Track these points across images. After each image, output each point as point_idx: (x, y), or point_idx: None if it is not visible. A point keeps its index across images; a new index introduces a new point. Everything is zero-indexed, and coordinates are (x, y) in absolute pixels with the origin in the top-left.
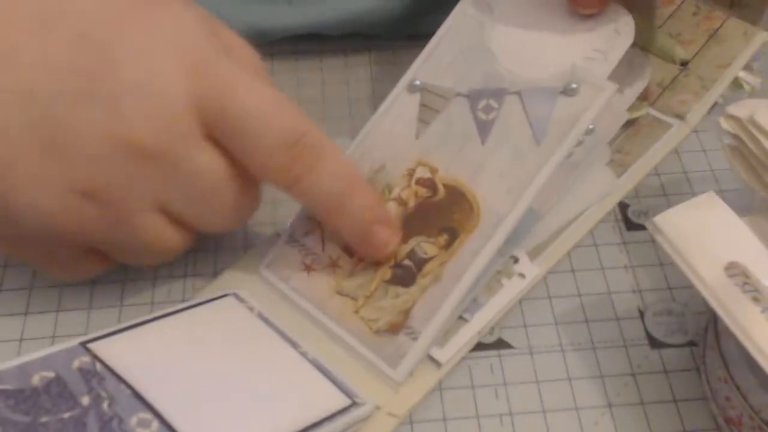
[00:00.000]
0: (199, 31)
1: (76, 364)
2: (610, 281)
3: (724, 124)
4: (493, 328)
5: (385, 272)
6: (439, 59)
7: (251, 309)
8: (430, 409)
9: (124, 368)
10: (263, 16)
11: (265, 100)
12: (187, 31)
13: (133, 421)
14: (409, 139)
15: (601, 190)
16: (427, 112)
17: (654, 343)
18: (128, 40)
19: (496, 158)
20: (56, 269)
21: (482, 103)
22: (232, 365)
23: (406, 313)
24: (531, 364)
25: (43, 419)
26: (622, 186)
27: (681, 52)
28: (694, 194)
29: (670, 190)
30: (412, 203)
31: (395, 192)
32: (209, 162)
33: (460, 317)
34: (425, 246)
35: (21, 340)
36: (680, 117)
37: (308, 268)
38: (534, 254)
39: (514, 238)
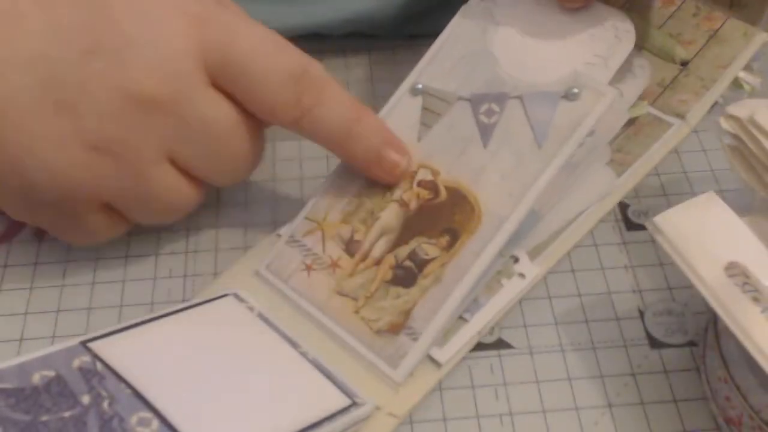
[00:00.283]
0: None
1: (76, 363)
2: (610, 281)
3: (724, 124)
4: (493, 328)
5: (386, 273)
6: (441, 63)
7: (251, 309)
8: (430, 409)
9: (124, 367)
10: (263, 16)
11: (265, 40)
12: None
13: (134, 420)
14: (411, 141)
15: (602, 189)
16: (429, 116)
17: (654, 343)
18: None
19: (498, 161)
20: (74, 233)
21: (484, 107)
22: (232, 365)
23: (407, 313)
24: (531, 364)
25: (44, 418)
26: (623, 185)
27: (681, 52)
28: (694, 194)
29: (670, 190)
30: (413, 205)
31: (397, 194)
32: (216, 109)
33: (460, 317)
34: (426, 247)
35: (21, 340)
36: (680, 116)
37: (308, 269)
38: (534, 254)
39: (514, 238)
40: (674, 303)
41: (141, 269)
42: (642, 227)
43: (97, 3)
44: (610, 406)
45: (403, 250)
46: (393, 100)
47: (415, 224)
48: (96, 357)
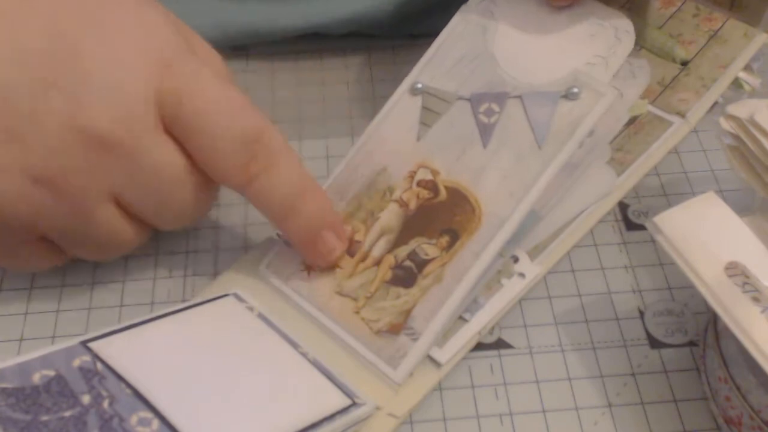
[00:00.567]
0: (164, 28)
1: (76, 362)
2: (610, 281)
3: (724, 124)
4: (493, 328)
5: (386, 273)
6: (441, 63)
7: (251, 309)
8: (430, 409)
9: (124, 367)
10: (263, 16)
11: (225, 99)
12: (152, 28)
13: (134, 419)
14: (411, 141)
15: (602, 188)
16: (428, 115)
17: (654, 343)
18: (94, 34)
19: (498, 161)
20: (8, 260)
21: (484, 107)
22: (233, 365)
23: (407, 313)
24: (531, 364)
25: (44, 418)
26: (623, 184)
27: (681, 52)
28: (694, 194)
29: (670, 190)
30: (413, 205)
31: (396, 194)
32: (167, 156)
33: (460, 317)
34: (426, 247)
35: (21, 340)
36: (681, 115)
37: (309, 269)
38: (534, 254)
39: (514, 238)
40: (674, 303)
41: (141, 269)
42: (642, 227)
43: (64, 35)
44: (610, 406)
45: (403, 251)
46: (392, 99)
47: (414, 224)
48: (96, 357)
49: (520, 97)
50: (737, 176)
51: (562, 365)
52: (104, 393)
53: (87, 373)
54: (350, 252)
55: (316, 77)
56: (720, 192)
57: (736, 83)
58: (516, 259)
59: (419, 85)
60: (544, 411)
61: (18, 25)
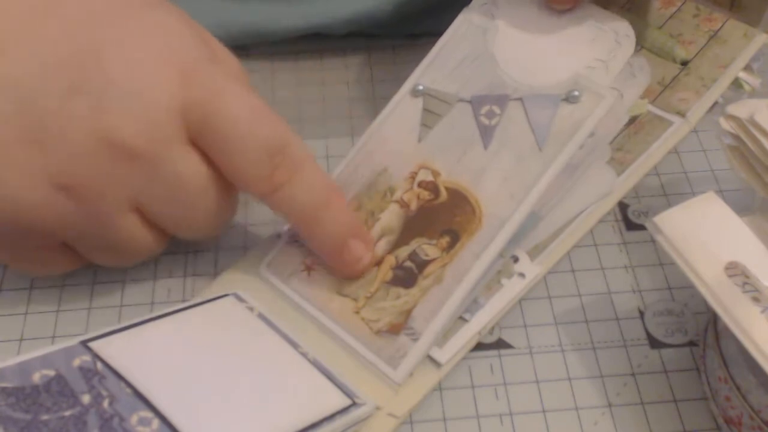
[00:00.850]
0: (188, 37)
1: (76, 362)
2: (610, 281)
3: (724, 124)
4: (493, 328)
5: (386, 273)
6: (442, 65)
7: (251, 309)
8: (430, 409)
9: (124, 367)
10: (263, 16)
11: (250, 108)
12: (176, 37)
13: (134, 419)
14: (412, 142)
15: (602, 188)
16: (429, 117)
17: (654, 343)
18: (118, 42)
19: (499, 163)
20: (28, 265)
21: (485, 109)
22: (233, 365)
23: (407, 313)
24: (531, 364)
25: (44, 417)
26: (623, 184)
27: (681, 52)
28: (694, 194)
29: (670, 190)
30: (414, 206)
31: (397, 194)
32: (190, 166)
33: (460, 317)
34: (426, 248)
35: (21, 340)
36: (681, 114)
37: (309, 269)
38: (534, 254)
39: (514, 239)
40: (674, 303)
41: (141, 269)
42: (642, 227)
43: (89, 43)
44: (610, 406)
45: (404, 251)
46: (394, 100)
47: (415, 225)
48: (96, 356)
49: (521, 99)
50: (737, 176)
51: (562, 365)
52: (104, 392)
53: (87, 372)
54: None
55: (316, 77)
56: (720, 192)
57: (736, 83)
58: (516, 259)
59: (420, 87)
60: (544, 411)
61: (43, 34)
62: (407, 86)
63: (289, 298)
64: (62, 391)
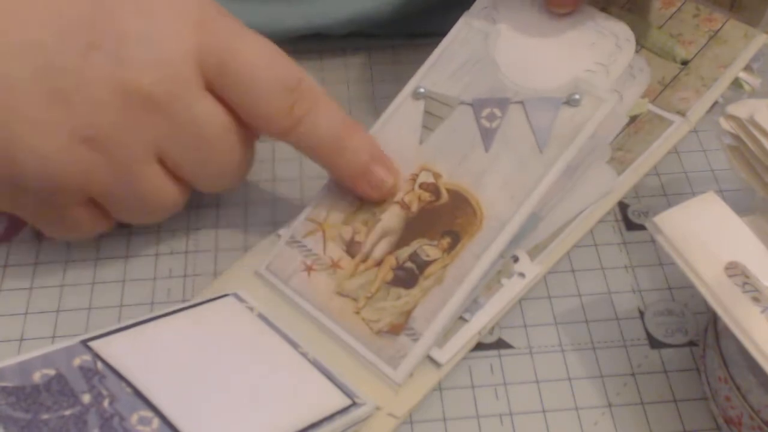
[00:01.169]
0: None
1: (77, 362)
2: (610, 281)
3: (724, 124)
4: (493, 328)
5: (387, 274)
6: (443, 68)
7: (251, 309)
8: (430, 409)
9: (124, 366)
10: (263, 16)
11: (263, 49)
12: None
13: (134, 418)
14: (413, 145)
15: (602, 187)
16: (430, 119)
17: (654, 343)
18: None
19: (500, 165)
20: (55, 226)
21: (486, 111)
22: (233, 365)
23: (407, 314)
24: (531, 364)
25: (44, 416)
26: (623, 183)
27: (681, 52)
28: (694, 194)
29: (670, 190)
30: (415, 207)
31: (399, 196)
32: (209, 112)
33: (461, 317)
34: (427, 249)
35: (21, 340)
36: (681, 113)
37: (309, 269)
38: (534, 254)
39: (514, 240)
40: (674, 303)
41: (141, 269)
42: (642, 227)
43: (101, 2)
44: (610, 406)
45: (404, 252)
46: (395, 103)
47: (416, 226)
48: (96, 356)
49: (522, 102)
50: (737, 176)
51: (562, 365)
52: (104, 392)
53: (87, 372)
54: (351, 253)
55: (316, 77)
56: (720, 192)
57: (736, 83)
58: (516, 259)
59: (422, 90)
60: (544, 411)
61: None
62: (408, 89)
63: (289, 298)
64: (62, 390)
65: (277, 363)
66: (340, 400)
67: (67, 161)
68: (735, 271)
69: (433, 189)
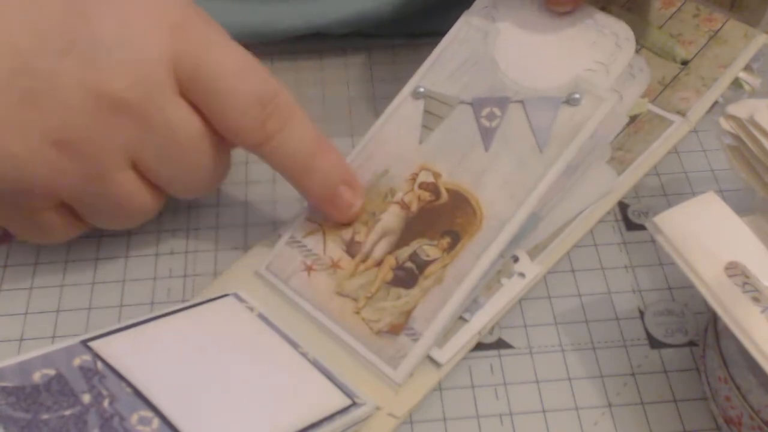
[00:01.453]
0: None
1: (77, 362)
2: (610, 281)
3: (724, 124)
4: (493, 328)
5: (387, 273)
6: (443, 68)
7: (251, 309)
8: (430, 409)
9: (124, 366)
10: (263, 16)
11: (240, 59)
12: None
13: (134, 418)
14: (413, 144)
15: (602, 187)
16: (430, 119)
17: (654, 343)
18: (104, 3)
19: (499, 165)
20: (28, 229)
21: (486, 111)
22: (233, 365)
23: (407, 314)
24: (531, 364)
25: (44, 416)
26: (623, 183)
27: (681, 52)
28: (694, 194)
29: (670, 190)
30: (414, 207)
31: (398, 196)
32: (182, 118)
33: (460, 317)
34: (427, 248)
35: (21, 340)
36: (681, 113)
37: (309, 269)
38: (534, 254)
39: (514, 240)
40: (674, 303)
41: (141, 269)
42: (642, 227)
43: (75, 4)
44: (610, 406)
45: (404, 252)
46: (394, 103)
47: (416, 226)
48: (96, 356)
49: (521, 101)
50: (737, 176)
51: (562, 365)
52: (104, 392)
53: (87, 372)
54: (351, 253)
55: (316, 77)
56: (720, 192)
57: (736, 83)
58: (516, 259)
59: (421, 89)
60: (544, 411)
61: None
62: (408, 88)
63: (289, 298)
64: (62, 390)
65: (277, 363)
66: (340, 400)
67: (37, 163)
68: (735, 271)
69: (433, 188)
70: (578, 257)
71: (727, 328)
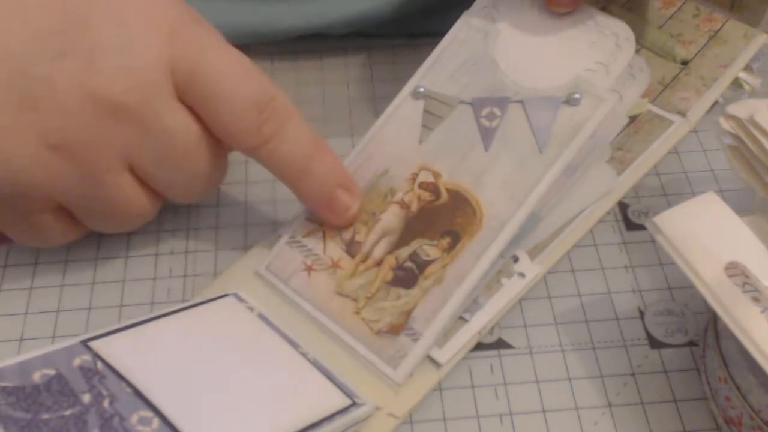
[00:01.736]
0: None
1: (77, 362)
2: (610, 281)
3: (724, 124)
4: (493, 328)
5: (387, 273)
6: (442, 68)
7: (251, 309)
8: (430, 409)
9: (125, 366)
10: (263, 16)
11: (237, 63)
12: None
13: (134, 418)
14: (413, 144)
15: (602, 187)
16: (430, 119)
17: (654, 343)
18: (102, 7)
19: (499, 165)
20: (25, 234)
21: (486, 111)
22: (233, 365)
23: (407, 314)
24: (531, 364)
25: (44, 416)
26: (623, 183)
27: (681, 52)
28: (694, 194)
29: (670, 190)
30: (414, 207)
31: (398, 196)
32: (179, 122)
33: (460, 317)
34: (427, 248)
35: (21, 340)
36: (681, 113)
37: (309, 269)
38: (534, 254)
39: (514, 240)
40: (674, 303)
41: (141, 269)
42: (642, 227)
43: (74, 9)
44: (610, 406)
45: (404, 252)
46: (394, 103)
47: (416, 226)
48: (96, 356)
49: (521, 101)
50: (737, 176)
51: (562, 365)
52: (104, 392)
53: (87, 372)
54: (351, 253)
55: (316, 77)
56: (720, 192)
57: (736, 83)
58: (516, 259)
59: (421, 89)
60: (544, 411)
61: (30, 2)
62: (408, 88)
63: (289, 298)
64: (62, 390)
65: (277, 363)
66: (340, 400)
67: (34, 167)
68: (735, 271)
69: (433, 188)
70: (578, 257)
71: (727, 328)
